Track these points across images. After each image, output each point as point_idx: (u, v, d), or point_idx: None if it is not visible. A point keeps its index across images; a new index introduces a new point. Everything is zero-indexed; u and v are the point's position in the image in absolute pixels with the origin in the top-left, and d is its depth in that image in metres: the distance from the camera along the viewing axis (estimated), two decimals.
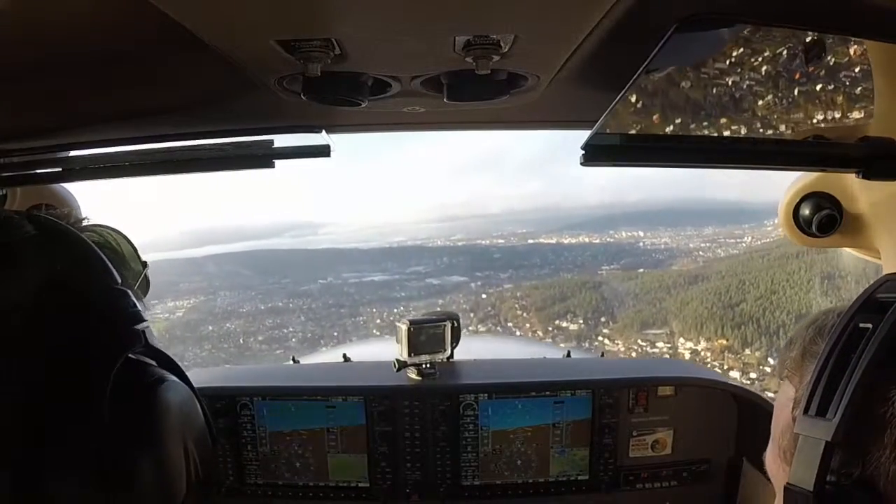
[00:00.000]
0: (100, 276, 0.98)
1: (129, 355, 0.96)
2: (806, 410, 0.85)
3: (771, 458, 1.02)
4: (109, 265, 1.00)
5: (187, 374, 1.07)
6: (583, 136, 1.58)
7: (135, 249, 1.42)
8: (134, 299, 1.00)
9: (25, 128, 1.66)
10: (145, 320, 0.99)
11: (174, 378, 1.01)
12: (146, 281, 1.40)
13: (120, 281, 1.01)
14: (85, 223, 1.30)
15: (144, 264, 1.41)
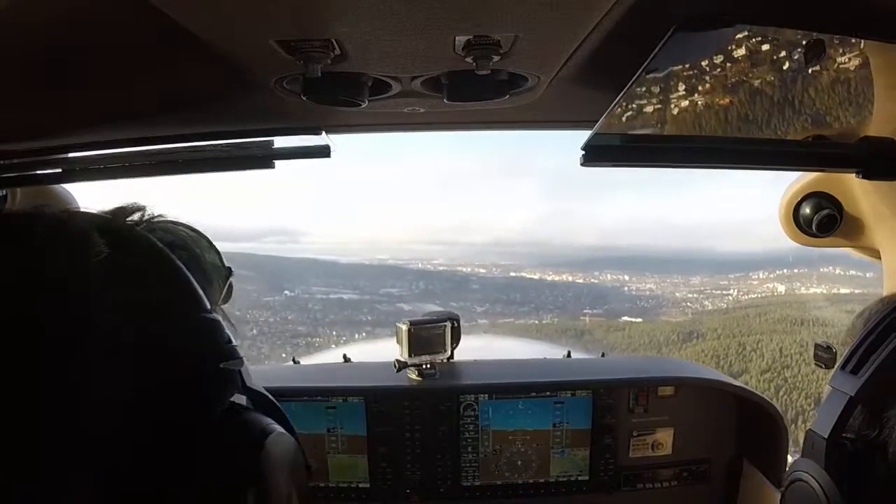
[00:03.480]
0: (185, 303, 0.83)
1: (234, 403, 0.83)
2: (843, 366, 0.90)
3: None
4: (195, 286, 0.85)
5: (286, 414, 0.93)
6: (583, 136, 1.58)
7: (217, 252, 1.20)
8: (226, 329, 0.86)
9: (25, 128, 1.66)
10: (240, 356, 0.85)
11: (279, 428, 0.87)
12: (230, 290, 1.18)
13: (208, 306, 0.85)
14: (158, 220, 1.09)
15: (229, 270, 1.20)
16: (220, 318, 0.86)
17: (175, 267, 0.85)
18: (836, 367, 0.92)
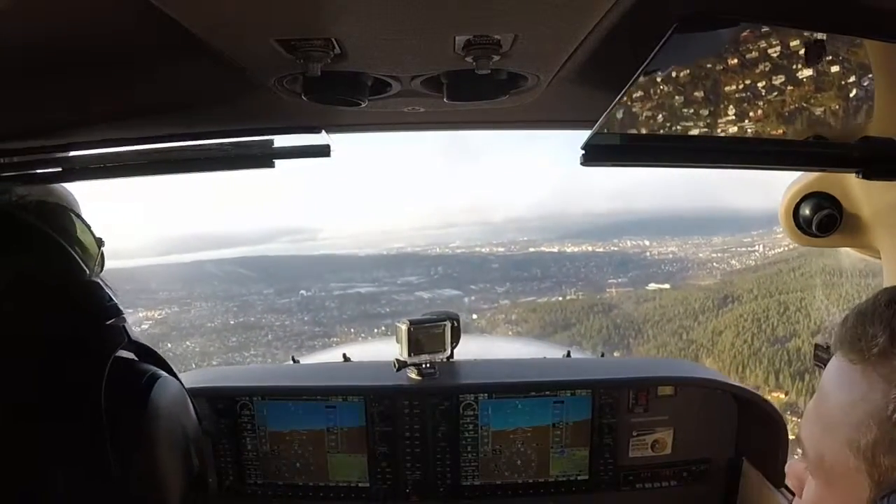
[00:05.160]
0: (69, 269, 0.94)
1: (122, 355, 0.92)
2: None
3: (833, 443, 0.94)
4: (75, 255, 0.97)
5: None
6: (583, 136, 1.58)
7: (87, 226, 1.32)
8: (107, 290, 0.97)
9: (25, 128, 1.66)
10: (122, 312, 0.95)
11: (164, 374, 0.97)
12: (102, 259, 1.31)
13: (88, 271, 0.98)
14: (28, 199, 1.21)
15: (100, 242, 1.32)
16: (100, 281, 0.97)
17: (51, 237, 0.96)
18: None
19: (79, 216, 1.33)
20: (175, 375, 1.03)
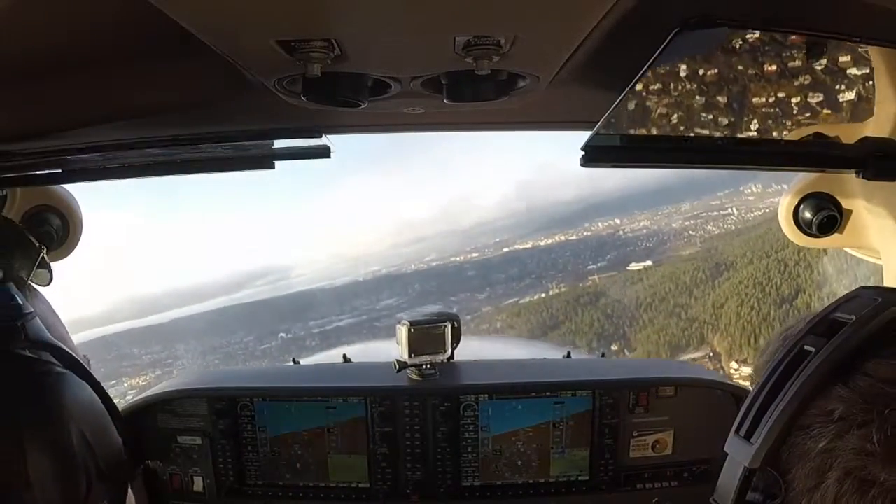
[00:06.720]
0: None
1: (16, 350, 0.95)
2: (737, 430, 0.84)
3: None
4: None
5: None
6: (583, 136, 1.58)
7: (24, 234, 1.37)
8: (14, 293, 1.00)
9: (25, 128, 1.66)
10: (27, 314, 0.98)
11: (65, 371, 0.98)
12: (44, 264, 1.36)
13: (3, 274, 1.02)
14: None
15: (39, 248, 1.37)
16: (10, 286, 1.02)
17: None
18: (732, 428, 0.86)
19: (11, 222, 1.39)
20: (90, 377, 1.01)
